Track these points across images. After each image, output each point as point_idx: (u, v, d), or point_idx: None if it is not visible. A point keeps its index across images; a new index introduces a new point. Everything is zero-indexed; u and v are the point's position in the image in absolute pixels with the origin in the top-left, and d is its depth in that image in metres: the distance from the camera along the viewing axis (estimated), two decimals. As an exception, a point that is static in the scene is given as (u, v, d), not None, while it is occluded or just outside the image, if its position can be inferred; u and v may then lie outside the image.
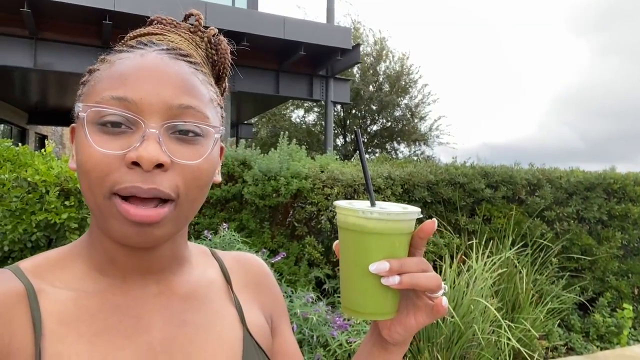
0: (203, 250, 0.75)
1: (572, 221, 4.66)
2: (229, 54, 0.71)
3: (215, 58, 0.69)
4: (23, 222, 2.67)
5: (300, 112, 19.21)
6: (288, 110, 19.14)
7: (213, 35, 0.69)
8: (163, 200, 0.55)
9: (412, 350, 3.06)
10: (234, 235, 3.19)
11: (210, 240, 3.26)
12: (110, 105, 0.54)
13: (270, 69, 10.20)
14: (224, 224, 3.48)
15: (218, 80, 0.71)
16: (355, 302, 0.61)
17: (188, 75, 0.59)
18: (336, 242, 0.65)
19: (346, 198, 3.85)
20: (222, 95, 0.73)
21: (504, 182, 4.46)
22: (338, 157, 4.95)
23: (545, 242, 4.30)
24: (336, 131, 18.41)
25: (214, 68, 0.70)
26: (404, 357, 3.00)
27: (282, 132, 4.27)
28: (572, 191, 4.74)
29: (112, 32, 7.76)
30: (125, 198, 0.54)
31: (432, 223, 0.62)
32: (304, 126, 18.99)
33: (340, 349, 2.81)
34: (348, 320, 3.03)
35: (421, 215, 0.62)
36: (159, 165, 0.54)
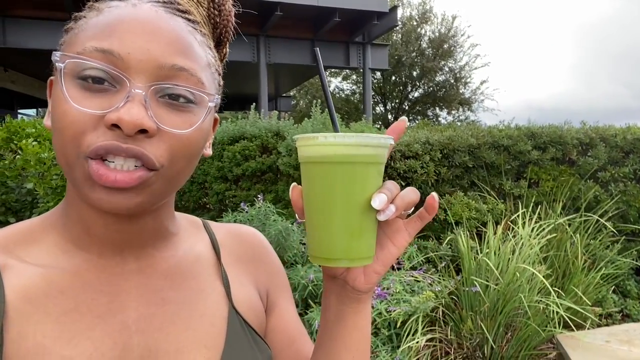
0: (194, 222, 0.70)
1: (629, 182, 4.34)
2: (233, 17, 0.64)
3: (218, 20, 0.62)
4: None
5: (339, 80, 18.93)
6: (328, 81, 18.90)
7: None
8: (143, 166, 0.49)
9: (454, 319, 2.98)
10: (269, 207, 3.17)
11: (247, 212, 3.26)
12: (93, 58, 0.48)
13: (305, 38, 10.03)
14: (260, 196, 3.47)
15: (218, 44, 0.65)
16: (330, 248, 0.53)
17: (184, 34, 0.53)
18: (293, 185, 0.57)
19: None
20: (221, 61, 0.66)
21: (552, 143, 4.20)
22: (379, 124, 4.81)
23: (599, 206, 4.05)
24: (375, 99, 18.07)
25: (215, 30, 0.63)
26: (447, 325, 2.93)
27: (314, 102, 4.18)
28: (629, 149, 4.41)
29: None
30: (102, 160, 0.48)
31: (403, 121, 0.57)
32: (342, 95, 18.74)
33: (380, 318, 2.77)
34: (387, 289, 2.98)
35: (393, 143, 0.55)
36: (143, 131, 0.48)
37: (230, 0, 0.64)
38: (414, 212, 0.58)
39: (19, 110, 11.99)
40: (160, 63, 0.50)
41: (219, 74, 0.61)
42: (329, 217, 0.52)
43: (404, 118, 0.58)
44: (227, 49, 0.68)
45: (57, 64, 0.49)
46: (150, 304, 0.58)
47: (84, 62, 0.48)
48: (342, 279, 0.60)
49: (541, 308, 2.91)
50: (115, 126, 0.47)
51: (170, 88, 0.50)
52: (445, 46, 16.95)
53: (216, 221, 0.76)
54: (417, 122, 17.90)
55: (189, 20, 0.55)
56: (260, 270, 0.71)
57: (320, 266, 0.59)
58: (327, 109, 3.98)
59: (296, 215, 0.58)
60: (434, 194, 0.56)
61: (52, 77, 0.55)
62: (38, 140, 3.13)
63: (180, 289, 0.60)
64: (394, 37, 16.89)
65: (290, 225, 3.00)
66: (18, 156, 3.06)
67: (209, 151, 0.61)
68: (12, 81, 11.30)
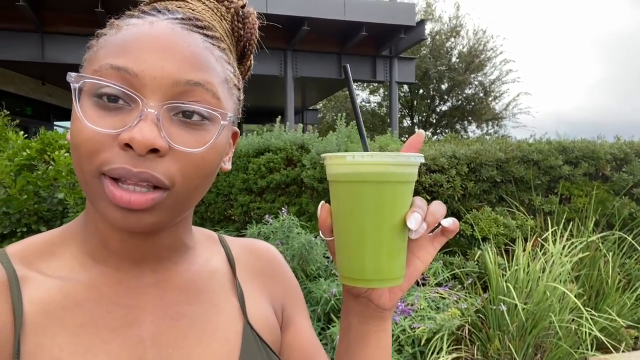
0: (210, 237, 0.70)
1: (667, 199, 4.17)
2: (257, 29, 0.64)
3: (242, 32, 0.62)
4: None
5: (366, 94, 18.95)
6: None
7: (242, 7, 0.61)
8: (156, 187, 0.49)
9: (481, 338, 2.89)
10: (292, 220, 3.17)
11: (270, 224, 3.26)
12: (108, 76, 0.49)
13: (332, 52, 10.11)
14: (284, 209, 3.48)
15: (242, 57, 0.64)
16: (360, 268, 0.52)
17: (200, 49, 0.52)
18: (322, 204, 0.56)
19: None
20: (244, 74, 0.66)
21: (585, 158, 4.07)
22: (405, 137, 4.77)
23: (634, 223, 3.89)
24: (402, 112, 17.99)
25: (239, 44, 0.62)
26: (473, 345, 2.85)
27: (339, 115, 4.18)
28: (667, 165, 4.24)
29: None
30: (116, 180, 0.48)
31: (420, 135, 0.57)
32: (369, 108, 18.73)
33: (404, 335, 2.71)
34: (411, 305, 2.92)
35: (423, 160, 0.55)
36: (154, 150, 0.48)
37: (255, 13, 0.63)
38: (438, 225, 0.58)
39: (55, 122, 12.43)
40: (174, 79, 0.49)
41: (239, 89, 0.60)
42: (360, 237, 0.51)
43: (421, 131, 0.57)
44: (252, 62, 0.68)
45: (72, 84, 0.49)
46: (165, 318, 0.57)
47: (98, 82, 0.49)
48: (365, 297, 0.59)
49: (573, 329, 2.80)
50: (128, 145, 0.47)
51: (183, 105, 0.50)
52: (477, 60, 16.78)
53: (240, 233, 0.75)
54: (444, 135, 17.71)
55: (207, 35, 0.55)
56: (276, 286, 0.70)
57: (342, 284, 0.59)
58: (353, 123, 3.96)
59: (320, 233, 0.57)
60: (451, 220, 0.56)
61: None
62: (70, 151, 3.23)
63: (195, 303, 0.60)
64: (423, 51, 16.84)
65: (313, 239, 2.99)
66: (51, 167, 3.15)
67: (227, 166, 0.61)
68: (49, 94, 11.75)
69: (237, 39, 0.62)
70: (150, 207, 0.49)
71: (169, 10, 0.56)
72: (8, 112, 5.57)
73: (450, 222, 0.56)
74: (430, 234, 0.58)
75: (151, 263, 0.58)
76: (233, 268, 0.67)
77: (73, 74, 0.50)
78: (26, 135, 3.73)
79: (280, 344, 0.68)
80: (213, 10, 0.59)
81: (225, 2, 0.60)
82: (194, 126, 0.50)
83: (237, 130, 0.63)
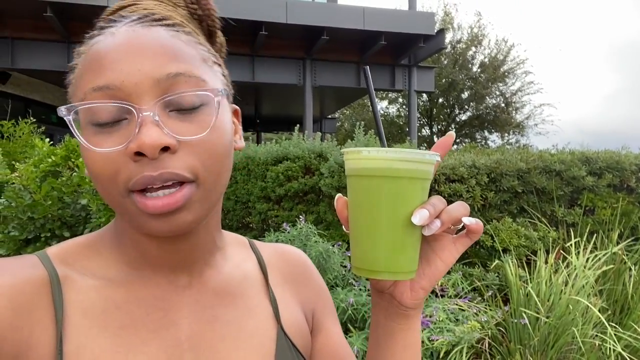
0: (241, 242, 0.70)
1: (696, 212, 4.05)
2: (212, 4, 0.63)
3: (200, 12, 0.61)
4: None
5: (385, 103, 18.92)
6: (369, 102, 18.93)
7: None
8: (181, 183, 0.49)
9: (501, 352, 2.83)
10: (310, 228, 3.17)
11: (288, 232, 3.27)
12: (95, 99, 0.49)
13: (351, 61, 10.13)
14: (301, 217, 3.48)
15: (210, 36, 0.64)
16: (373, 260, 0.53)
17: (167, 40, 0.52)
18: (338, 196, 0.57)
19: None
20: (220, 51, 0.65)
21: (609, 169, 3.99)
22: (424, 146, 4.76)
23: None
24: (421, 121, 17.89)
25: (202, 24, 0.62)
26: (493, 359, 2.79)
27: (357, 124, 4.18)
28: (695, 177, 4.12)
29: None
30: (143, 191, 0.49)
31: (450, 136, 0.56)
32: (387, 118, 18.68)
33: (422, 347, 2.67)
34: (430, 316, 2.88)
35: (439, 159, 0.55)
36: (165, 149, 0.48)
37: None
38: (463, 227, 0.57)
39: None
40: (155, 78, 0.49)
41: (219, 65, 0.60)
42: (373, 230, 0.53)
43: (451, 133, 0.57)
44: (222, 37, 0.67)
45: (65, 117, 0.50)
46: (201, 321, 0.58)
47: (90, 106, 0.49)
48: (389, 293, 0.59)
49: (597, 344, 2.72)
50: (139, 154, 0.48)
51: (174, 98, 0.50)
52: (501, 71, 16.64)
53: (258, 240, 0.76)
54: (464, 145, 17.56)
55: (167, 25, 0.54)
56: (306, 291, 0.71)
57: (368, 280, 0.60)
58: (371, 132, 3.96)
59: (342, 225, 0.58)
60: (474, 220, 0.55)
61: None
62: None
63: (229, 307, 0.61)
64: (444, 60, 16.76)
65: (331, 247, 2.98)
66: (75, 173, 3.22)
67: (241, 143, 0.61)
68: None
69: (198, 21, 0.61)
70: (184, 204, 0.49)
71: (124, 16, 0.55)
72: (34, 120, 5.71)
73: (472, 221, 0.55)
74: (455, 235, 0.57)
75: (187, 266, 0.59)
76: (265, 273, 0.67)
77: (63, 108, 0.50)
78: (52, 142, 3.82)
79: (311, 350, 0.68)
80: (164, 3, 0.59)
81: None
82: (192, 115, 0.50)
83: (237, 107, 0.63)
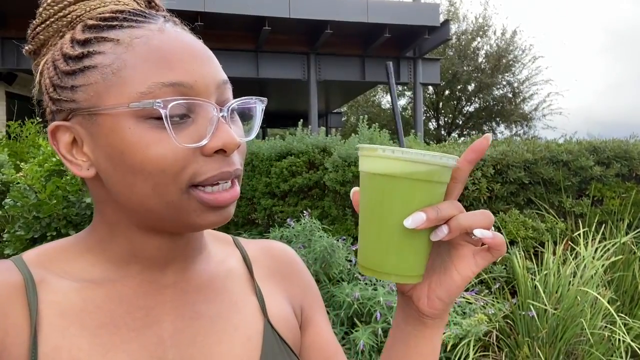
0: (224, 239, 0.70)
1: None
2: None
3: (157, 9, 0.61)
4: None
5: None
6: (378, 96, 18.87)
7: None
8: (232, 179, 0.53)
9: (509, 344, 2.81)
10: (314, 223, 3.16)
11: (292, 227, 3.26)
12: (165, 94, 0.48)
13: (355, 54, 10.08)
14: (306, 212, 3.47)
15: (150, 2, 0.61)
16: (379, 261, 0.53)
17: (205, 46, 0.55)
18: (355, 189, 0.56)
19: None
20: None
21: (617, 158, 3.94)
22: (430, 140, 4.73)
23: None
24: (428, 114, 17.81)
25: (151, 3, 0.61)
26: (501, 351, 2.77)
27: (361, 117, 4.16)
28: None
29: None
30: (200, 186, 0.51)
31: (486, 139, 0.52)
32: (390, 110, 18.60)
33: (428, 341, 2.66)
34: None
35: (456, 164, 0.52)
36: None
37: None
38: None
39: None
40: (217, 82, 0.52)
41: None
42: (380, 230, 0.52)
43: (487, 135, 0.52)
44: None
45: (162, 111, 0.48)
46: (184, 318, 0.58)
47: (183, 103, 0.49)
48: (408, 295, 0.58)
49: (606, 335, 2.70)
50: (219, 151, 0.50)
51: (242, 106, 0.54)
52: (504, 61, 16.47)
53: (264, 236, 0.76)
54: (471, 136, 17.47)
55: (190, 30, 0.57)
56: (294, 286, 0.70)
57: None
58: (375, 125, 3.92)
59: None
60: (489, 232, 0.52)
61: (56, 124, 0.52)
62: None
63: (214, 302, 0.60)
64: (449, 53, 16.64)
65: (335, 242, 2.97)
66: (79, 172, 3.22)
67: None
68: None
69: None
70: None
71: (153, 12, 0.55)
72: (40, 120, 5.75)
73: (487, 235, 0.51)
74: (478, 248, 0.54)
75: (176, 263, 0.59)
76: (250, 268, 0.67)
77: (160, 101, 0.48)
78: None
79: (300, 345, 0.67)
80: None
81: None
82: (237, 118, 0.55)
83: None
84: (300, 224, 3.21)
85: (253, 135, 0.56)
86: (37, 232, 3.14)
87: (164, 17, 0.55)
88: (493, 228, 0.54)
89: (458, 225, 0.50)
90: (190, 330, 0.57)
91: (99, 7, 0.55)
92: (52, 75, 0.53)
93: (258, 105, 0.57)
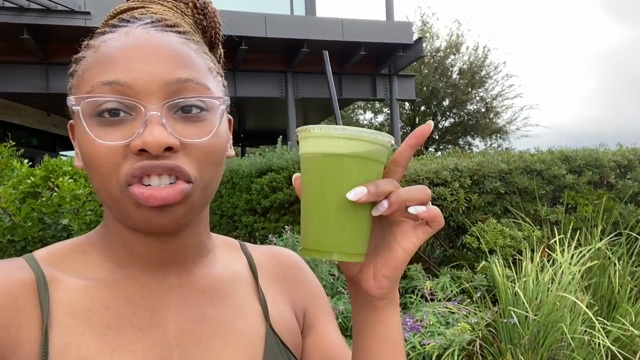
0: (232, 244, 0.71)
1: (675, 205, 4.13)
2: (218, 17, 0.66)
3: (205, 23, 0.64)
4: (98, 234, 2.82)
5: (370, 114, 19.07)
6: (355, 113, 19.06)
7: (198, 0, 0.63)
8: (176, 178, 0.52)
9: (493, 352, 2.84)
10: (296, 238, 3.16)
11: (275, 243, 3.25)
12: (103, 92, 0.51)
13: (332, 72, 10.19)
14: (287, 227, 3.47)
15: (212, 47, 0.67)
16: (323, 239, 0.52)
17: (179, 46, 0.55)
18: (296, 175, 0.57)
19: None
20: (219, 62, 0.68)
21: (588, 166, 4.06)
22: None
23: (642, 230, 3.84)
24: (405, 130, 18.05)
25: (205, 35, 0.65)
26: (485, 359, 2.79)
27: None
28: (672, 171, 4.22)
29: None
30: (141, 183, 0.51)
31: (428, 125, 0.53)
32: (371, 128, 18.81)
33: (414, 352, 2.66)
34: (420, 321, 2.87)
35: (395, 146, 0.54)
36: (168, 149, 0.50)
37: (211, 2, 0.66)
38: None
39: (60, 152, 12.55)
40: (165, 80, 0.51)
41: (221, 76, 0.63)
42: (320, 208, 0.52)
43: (429, 122, 0.54)
44: (221, 50, 0.70)
45: (73, 107, 0.52)
46: (189, 320, 0.59)
47: (97, 99, 0.51)
48: (356, 281, 0.59)
49: (586, 340, 2.75)
50: (142, 151, 0.50)
51: (182, 101, 0.52)
52: (477, 77, 16.87)
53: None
54: (447, 150, 17.76)
55: (179, 32, 0.57)
56: (297, 291, 0.71)
57: (342, 272, 0.59)
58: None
59: None
60: (423, 208, 0.53)
61: (71, 121, 0.57)
62: (74, 177, 3.24)
63: (218, 306, 0.61)
64: (424, 69, 16.97)
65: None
66: (55, 193, 3.17)
67: (231, 152, 0.64)
68: (54, 125, 11.89)
69: (202, 32, 0.64)
70: (181, 200, 0.51)
71: (137, 18, 0.58)
72: (14, 143, 5.63)
73: (421, 210, 0.52)
74: (417, 222, 0.56)
75: (175, 266, 0.60)
76: (255, 273, 0.68)
77: (72, 97, 0.52)
78: (32, 164, 3.76)
79: (302, 348, 0.68)
80: (173, 9, 0.62)
81: None
82: (195, 119, 0.53)
83: (231, 117, 0.65)
84: (282, 240, 3.21)
85: (206, 137, 0.53)
86: (11, 257, 3.06)
87: (149, 22, 0.57)
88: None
89: (397, 199, 0.51)
90: (194, 332, 0.58)
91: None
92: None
93: (215, 105, 0.55)
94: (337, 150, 0.51)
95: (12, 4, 7.45)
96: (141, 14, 0.59)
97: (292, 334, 0.66)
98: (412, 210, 0.52)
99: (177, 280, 0.60)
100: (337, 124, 0.55)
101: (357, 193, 0.50)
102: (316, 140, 0.52)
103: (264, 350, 0.60)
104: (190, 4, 0.63)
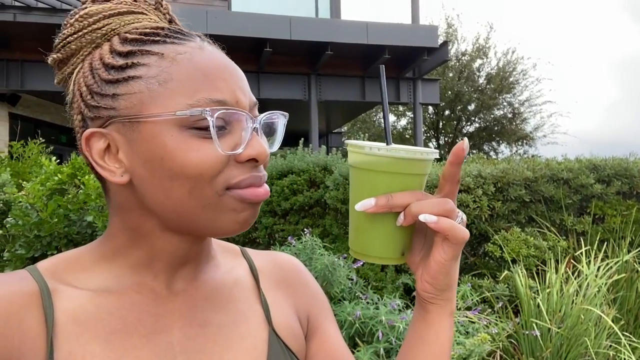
0: (232, 249, 0.72)
1: None
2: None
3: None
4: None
5: (393, 117, 18.95)
6: (379, 116, 18.98)
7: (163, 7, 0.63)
8: None
9: (513, 364, 2.77)
10: (315, 241, 3.15)
11: (294, 246, 3.25)
12: (209, 107, 0.53)
13: (355, 75, 10.18)
14: (306, 230, 3.46)
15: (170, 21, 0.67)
16: (360, 244, 0.60)
17: (238, 67, 0.59)
18: None
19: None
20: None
21: (617, 176, 3.94)
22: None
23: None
24: (428, 134, 17.89)
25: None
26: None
27: (362, 136, 4.19)
28: None
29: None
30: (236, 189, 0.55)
31: (462, 143, 0.55)
32: (394, 131, 18.69)
33: None
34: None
35: (438, 157, 0.59)
36: None
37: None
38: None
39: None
40: (251, 102, 0.57)
41: None
42: (363, 218, 0.58)
43: (465, 140, 0.57)
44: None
45: (209, 119, 0.51)
46: (193, 326, 0.59)
47: (227, 112, 0.53)
48: (415, 278, 0.63)
49: (610, 355, 2.66)
50: (250, 160, 0.54)
51: (269, 118, 0.59)
52: (506, 82, 16.60)
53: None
54: (471, 156, 17.51)
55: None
56: (300, 295, 0.71)
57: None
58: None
59: None
60: (433, 218, 0.56)
61: (92, 131, 0.54)
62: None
63: (221, 312, 0.62)
64: (449, 73, 16.80)
65: (337, 260, 2.96)
66: (81, 191, 3.24)
67: None
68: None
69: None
70: None
71: (184, 32, 0.58)
72: (43, 140, 5.78)
73: (431, 219, 0.55)
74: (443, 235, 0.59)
75: (186, 268, 0.61)
76: (256, 278, 0.68)
77: (209, 109, 0.52)
78: (60, 162, 3.85)
79: (306, 353, 0.68)
80: (158, 17, 0.61)
81: (161, 8, 0.62)
82: (262, 133, 0.58)
83: None
84: (301, 243, 3.20)
85: (276, 148, 0.60)
86: (37, 251, 3.14)
87: (200, 37, 0.59)
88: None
89: (411, 211, 0.55)
90: (198, 337, 0.59)
91: (133, 22, 0.57)
92: (90, 83, 0.54)
93: (280, 120, 0.61)
94: (374, 167, 0.57)
95: (44, 5, 7.66)
96: (149, 21, 0.58)
97: (295, 338, 0.66)
98: (421, 217, 0.55)
99: (182, 286, 0.61)
100: (386, 141, 0.61)
101: (363, 205, 0.56)
102: (364, 157, 0.58)
103: (267, 353, 0.61)
104: (167, 15, 0.62)
